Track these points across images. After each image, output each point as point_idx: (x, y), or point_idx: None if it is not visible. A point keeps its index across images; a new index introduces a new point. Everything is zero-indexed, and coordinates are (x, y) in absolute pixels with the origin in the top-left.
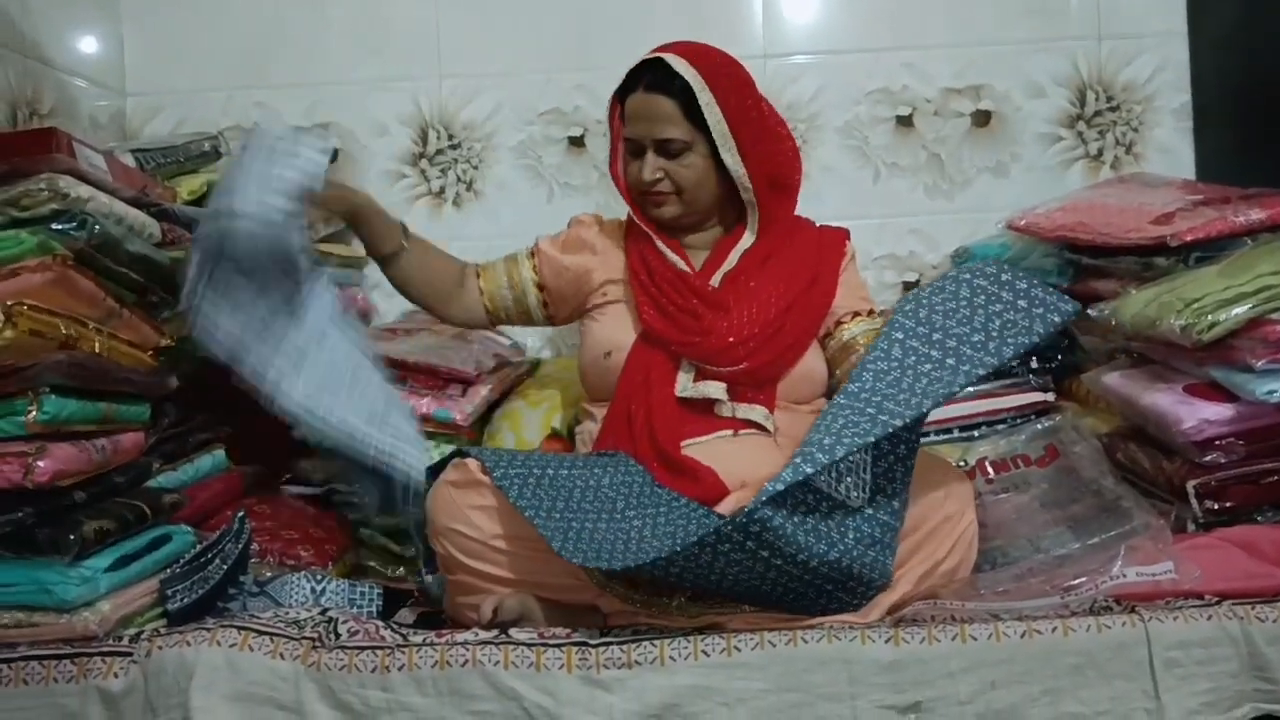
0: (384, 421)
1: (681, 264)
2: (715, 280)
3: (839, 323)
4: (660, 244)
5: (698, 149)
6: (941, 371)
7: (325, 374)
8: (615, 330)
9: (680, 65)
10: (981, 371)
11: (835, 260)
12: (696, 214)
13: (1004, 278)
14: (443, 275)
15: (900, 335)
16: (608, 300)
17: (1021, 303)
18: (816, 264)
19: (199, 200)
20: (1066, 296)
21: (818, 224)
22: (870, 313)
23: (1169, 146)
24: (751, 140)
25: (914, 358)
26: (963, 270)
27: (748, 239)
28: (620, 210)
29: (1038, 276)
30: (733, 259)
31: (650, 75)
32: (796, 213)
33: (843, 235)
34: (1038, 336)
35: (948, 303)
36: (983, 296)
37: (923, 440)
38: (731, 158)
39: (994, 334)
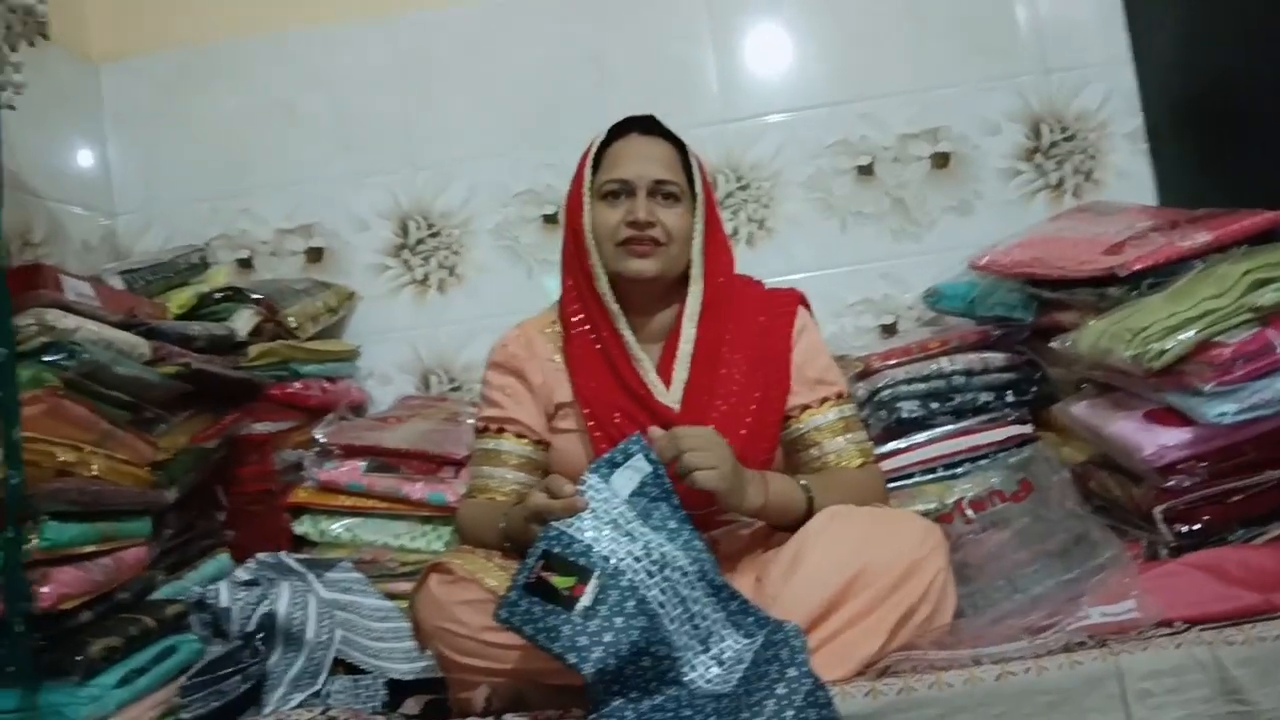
0: None
1: (642, 360)
2: (675, 388)
3: (788, 416)
4: (624, 331)
5: (685, 204)
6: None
7: None
8: (575, 464)
9: (669, 128)
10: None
11: (783, 344)
12: (665, 281)
13: None
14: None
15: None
16: (560, 429)
17: None
18: (763, 358)
19: (188, 313)
20: None
21: (779, 280)
22: (823, 401)
23: (1128, 170)
24: (712, 227)
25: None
26: None
27: (692, 307)
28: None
29: (1004, 311)
30: (684, 347)
31: (645, 124)
32: (754, 272)
33: (793, 305)
34: None
35: None
36: None
37: (907, 481)
38: (701, 226)
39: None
